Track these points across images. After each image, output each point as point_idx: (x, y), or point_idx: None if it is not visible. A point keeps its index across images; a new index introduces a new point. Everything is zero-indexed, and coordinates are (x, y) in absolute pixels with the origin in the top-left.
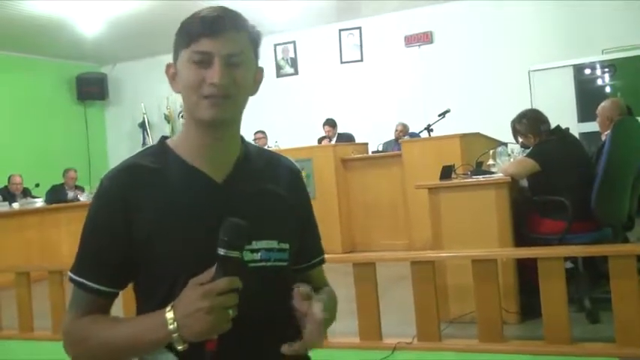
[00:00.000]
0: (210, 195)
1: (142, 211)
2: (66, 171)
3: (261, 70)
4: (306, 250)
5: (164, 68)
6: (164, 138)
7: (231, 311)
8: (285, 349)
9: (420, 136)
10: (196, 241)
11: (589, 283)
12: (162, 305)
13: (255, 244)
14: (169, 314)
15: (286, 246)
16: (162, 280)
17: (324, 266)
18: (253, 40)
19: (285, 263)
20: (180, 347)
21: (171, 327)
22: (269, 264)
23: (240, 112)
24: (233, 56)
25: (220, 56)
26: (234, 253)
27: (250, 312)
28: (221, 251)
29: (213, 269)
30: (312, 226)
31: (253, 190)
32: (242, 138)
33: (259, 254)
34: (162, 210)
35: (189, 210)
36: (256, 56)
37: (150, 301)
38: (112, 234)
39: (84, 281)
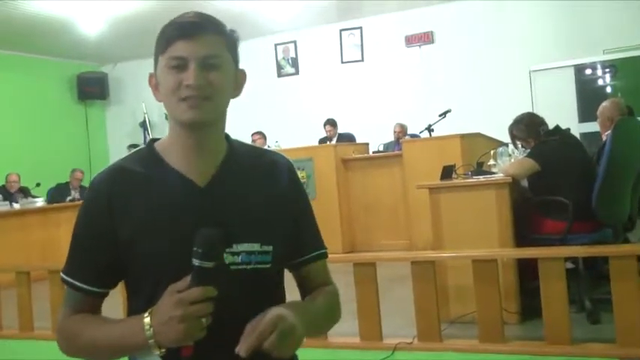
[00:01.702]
0: (191, 199)
1: (127, 214)
2: (73, 171)
3: (242, 72)
4: (301, 245)
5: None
6: (153, 141)
7: (204, 320)
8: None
9: (419, 137)
10: (177, 246)
11: (590, 283)
12: (146, 306)
13: (236, 247)
14: (147, 320)
15: (269, 248)
16: (146, 282)
17: None
18: (230, 42)
19: (267, 266)
20: (157, 352)
21: (147, 333)
22: (250, 267)
23: (222, 114)
24: (209, 58)
25: (195, 59)
26: (208, 264)
27: (230, 315)
28: (195, 262)
29: (189, 277)
30: (307, 220)
31: (237, 192)
32: (227, 137)
33: (240, 257)
34: (146, 214)
35: (171, 214)
36: (235, 59)
37: (136, 302)
38: (99, 236)
39: (73, 281)
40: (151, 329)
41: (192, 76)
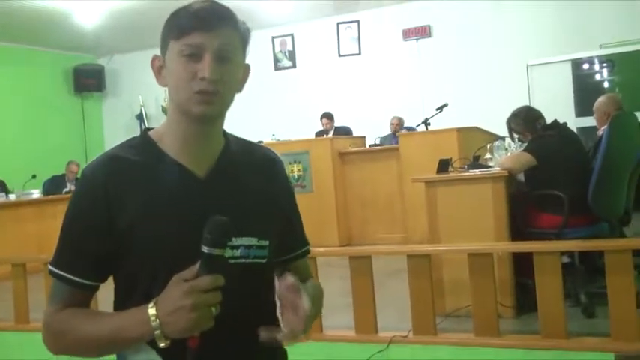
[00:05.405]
0: (191, 190)
1: (123, 204)
2: (68, 163)
3: (247, 67)
4: (289, 242)
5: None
6: (147, 130)
7: (214, 309)
8: (262, 334)
9: (416, 130)
10: (177, 236)
11: (585, 277)
12: (142, 300)
13: (235, 241)
14: (152, 310)
15: (265, 243)
16: (143, 274)
17: (321, 259)
18: (243, 38)
19: (263, 260)
20: (162, 344)
21: (153, 324)
22: (248, 261)
23: (227, 109)
24: (224, 51)
25: (211, 50)
26: (218, 251)
27: (230, 308)
28: (205, 249)
29: (196, 266)
30: (294, 217)
31: (235, 186)
32: (224, 131)
33: (239, 250)
34: (144, 204)
35: (171, 205)
36: (244, 54)
37: (130, 296)
38: (92, 225)
39: (63, 274)
40: (157, 320)
41: (207, 68)
